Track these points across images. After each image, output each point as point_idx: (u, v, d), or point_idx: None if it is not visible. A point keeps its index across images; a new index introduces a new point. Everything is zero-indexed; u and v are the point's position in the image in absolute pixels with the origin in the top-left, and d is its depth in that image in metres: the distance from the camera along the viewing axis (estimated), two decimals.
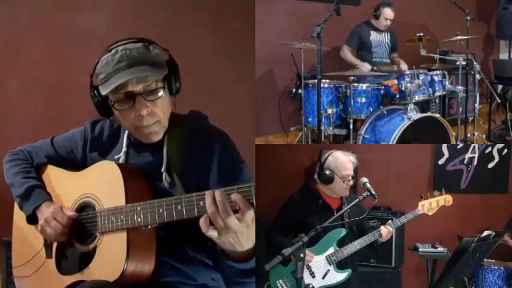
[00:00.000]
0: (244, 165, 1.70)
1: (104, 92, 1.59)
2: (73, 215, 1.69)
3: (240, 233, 1.38)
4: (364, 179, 2.34)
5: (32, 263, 1.79)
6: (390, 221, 2.46)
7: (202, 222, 1.39)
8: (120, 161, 1.74)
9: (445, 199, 2.53)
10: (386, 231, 2.40)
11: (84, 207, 1.72)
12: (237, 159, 1.70)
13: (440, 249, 3.08)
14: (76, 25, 3.09)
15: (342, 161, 2.45)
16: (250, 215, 1.37)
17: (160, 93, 1.60)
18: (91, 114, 1.83)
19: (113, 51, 1.59)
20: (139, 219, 1.54)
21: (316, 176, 2.50)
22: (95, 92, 1.64)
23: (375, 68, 4.21)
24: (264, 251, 2.81)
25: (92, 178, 1.73)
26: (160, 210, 1.50)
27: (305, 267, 2.29)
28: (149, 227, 1.55)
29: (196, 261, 1.69)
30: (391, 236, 2.48)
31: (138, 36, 1.64)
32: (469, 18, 3.96)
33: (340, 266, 2.38)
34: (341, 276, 2.37)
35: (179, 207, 1.46)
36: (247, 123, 3.12)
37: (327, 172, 2.44)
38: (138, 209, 1.54)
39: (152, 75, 1.58)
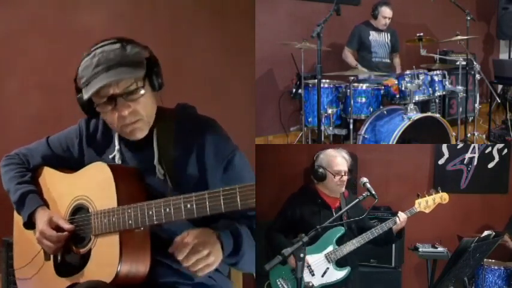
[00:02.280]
0: (237, 151, 1.71)
1: (85, 97, 1.60)
2: (69, 229, 1.70)
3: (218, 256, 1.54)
4: (364, 179, 2.35)
5: (31, 265, 1.80)
6: (400, 212, 2.49)
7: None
8: (116, 159, 1.74)
9: (441, 197, 2.54)
10: (404, 216, 2.43)
11: (78, 209, 1.73)
12: (229, 145, 1.71)
13: (440, 249, 3.08)
14: (76, 25, 3.09)
15: (332, 157, 2.51)
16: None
17: (141, 91, 1.61)
18: None
19: (92, 54, 1.61)
20: (130, 222, 1.55)
21: (312, 176, 2.56)
22: (80, 94, 1.65)
23: (375, 69, 4.22)
24: (264, 250, 2.82)
25: (85, 180, 1.74)
26: (150, 212, 1.52)
27: (305, 265, 2.29)
28: (141, 228, 1.56)
29: None
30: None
31: (117, 36, 1.65)
32: (469, 18, 3.96)
33: (339, 264, 2.41)
34: (340, 274, 2.40)
35: (167, 210, 1.49)
36: (247, 123, 3.12)
37: (320, 170, 2.50)
38: (129, 211, 1.56)
39: (130, 77, 1.59)
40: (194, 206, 1.45)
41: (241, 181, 1.51)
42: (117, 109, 1.60)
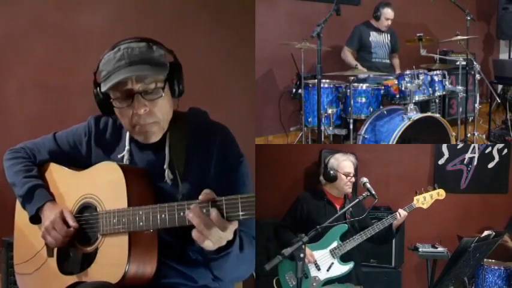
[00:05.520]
0: (244, 159, 1.70)
1: (103, 89, 1.58)
2: (74, 227, 1.67)
3: (224, 237, 1.42)
4: (364, 179, 2.45)
5: (33, 261, 1.78)
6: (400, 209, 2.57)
7: (197, 235, 1.39)
8: (124, 159, 1.72)
9: (438, 193, 2.63)
10: (404, 213, 2.53)
11: (85, 208, 1.71)
12: (237, 152, 1.71)
13: (440, 249, 3.08)
14: (76, 25, 3.09)
15: (342, 160, 2.68)
16: (228, 227, 1.40)
17: (160, 93, 1.59)
18: (91, 114, 1.83)
19: (116, 49, 1.59)
20: (141, 223, 1.53)
21: (321, 177, 2.72)
22: (98, 89, 1.64)
23: (375, 69, 4.23)
24: (264, 251, 2.83)
25: (94, 179, 1.72)
26: (163, 215, 1.49)
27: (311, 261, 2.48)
28: (151, 230, 1.54)
29: (197, 262, 1.68)
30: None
31: (144, 36, 1.63)
32: (469, 18, 3.96)
33: (344, 259, 2.53)
34: (344, 268, 2.53)
35: (181, 214, 1.45)
36: (247, 123, 3.12)
37: (331, 172, 2.65)
38: (140, 213, 1.53)
39: (152, 75, 1.57)
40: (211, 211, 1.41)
41: (242, 189, 1.53)
42: (133, 106, 1.57)
